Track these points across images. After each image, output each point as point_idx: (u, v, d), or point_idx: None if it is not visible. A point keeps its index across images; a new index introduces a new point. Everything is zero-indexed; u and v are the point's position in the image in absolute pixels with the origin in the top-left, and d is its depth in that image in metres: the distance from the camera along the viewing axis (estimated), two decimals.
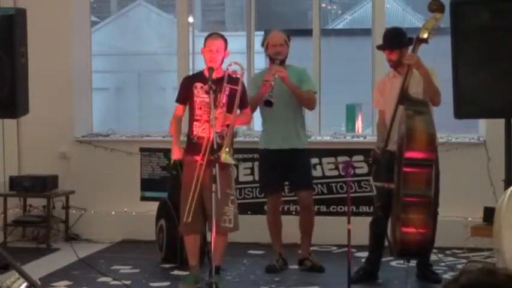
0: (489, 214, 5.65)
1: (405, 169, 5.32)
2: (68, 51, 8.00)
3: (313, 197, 6.66)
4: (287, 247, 6.67)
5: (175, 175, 6.69)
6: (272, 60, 6.36)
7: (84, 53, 8.21)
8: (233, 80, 5.74)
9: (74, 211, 7.88)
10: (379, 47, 6.13)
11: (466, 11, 5.72)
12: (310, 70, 7.41)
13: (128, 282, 6.00)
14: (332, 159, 7.42)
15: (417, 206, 5.31)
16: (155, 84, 13.78)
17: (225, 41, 5.83)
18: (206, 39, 5.86)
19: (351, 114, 8.29)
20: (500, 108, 5.71)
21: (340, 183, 7.36)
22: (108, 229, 7.77)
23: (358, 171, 7.14)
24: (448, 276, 6.03)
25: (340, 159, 7.26)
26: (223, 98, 5.72)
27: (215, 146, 5.44)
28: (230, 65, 5.80)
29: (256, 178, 7.27)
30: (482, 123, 7.51)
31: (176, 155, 5.93)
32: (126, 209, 7.84)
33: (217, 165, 5.38)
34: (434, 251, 6.15)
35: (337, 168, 7.27)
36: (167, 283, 6.07)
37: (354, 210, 6.97)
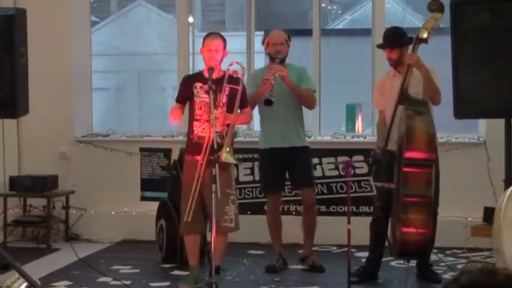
0: (489, 214, 5.64)
1: (405, 169, 5.32)
2: (68, 51, 8.00)
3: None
4: (287, 247, 6.66)
5: (175, 175, 6.69)
6: (272, 59, 6.36)
7: (84, 53, 8.21)
8: (234, 80, 5.74)
9: (74, 211, 7.88)
10: (379, 46, 6.13)
11: (466, 11, 5.72)
12: (310, 70, 7.41)
13: (128, 282, 6.00)
14: (332, 159, 7.42)
15: (417, 206, 5.31)
16: (155, 84, 13.78)
17: (224, 40, 5.82)
18: (205, 39, 5.86)
19: (351, 114, 8.29)
20: (500, 108, 5.71)
21: (340, 183, 7.36)
22: (108, 229, 7.77)
23: (358, 171, 7.14)
24: (448, 276, 6.03)
25: (340, 159, 7.26)
26: (223, 98, 5.72)
27: (215, 146, 5.44)
28: (231, 64, 5.80)
29: (256, 178, 7.27)
30: (482, 123, 7.51)
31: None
32: (126, 209, 7.84)
33: (217, 165, 5.38)
34: (434, 251, 6.15)
35: (337, 168, 7.27)
36: (167, 283, 6.07)
37: (354, 210, 6.97)
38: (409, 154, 5.32)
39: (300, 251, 6.55)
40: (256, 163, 7.10)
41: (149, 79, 13.88)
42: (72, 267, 6.55)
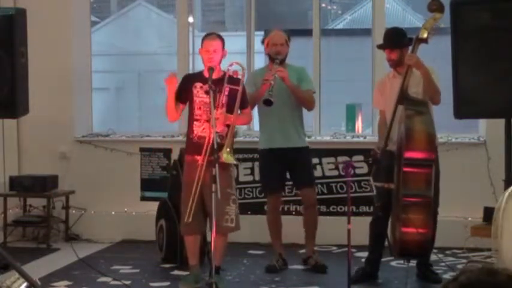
0: (489, 214, 5.64)
1: (405, 169, 5.32)
2: (68, 51, 8.00)
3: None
4: (287, 247, 6.67)
5: (175, 175, 6.70)
6: (272, 59, 6.36)
7: (84, 53, 8.21)
8: (234, 80, 5.74)
9: (74, 211, 7.88)
10: (380, 46, 6.13)
11: (466, 11, 5.72)
12: (310, 70, 7.41)
13: (128, 282, 6.00)
14: (332, 159, 7.42)
15: (417, 206, 5.30)
16: (155, 84, 13.74)
17: (222, 40, 5.81)
18: (203, 40, 5.85)
19: (351, 114, 8.28)
20: (500, 108, 5.72)
21: (340, 183, 7.37)
22: (108, 229, 7.77)
23: (358, 171, 7.15)
24: (448, 276, 6.03)
25: (340, 159, 7.27)
26: (223, 99, 5.72)
27: (215, 146, 5.44)
28: (231, 65, 5.79)
29: (256, 178, 7.27)
30: (482, 123, 7.51)
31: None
32: (126, 209, 7.84)
33: (217, 165, 5.37)
34: (434, 251, 6.15)
35: (337, 168, 7.27)
36: (167, 283, 6.07)
37: (354, 210, 6.98)
38: (409, 154, 5.32)
39: (304, 250, 6.55)
40: (256, 163, 7.10)
41: (149, 79, 13.86)
42: (72, 267, 6.55)
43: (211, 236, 5.37)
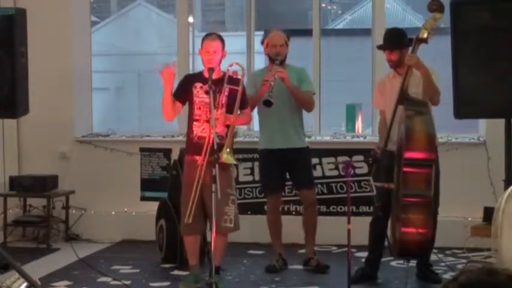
0: (489, 214, 5.63)
1: (405, 169, 5.32)
2: (68, 51, 8.00)
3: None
4: (287, 247, 6.67)
5: (175, 175, 6.70)
6: (272, 59, 6.36)
7: (84, 53, 8.21)
8: (234, 80, 5.74)
9: (74, 211, 7.88)
10: (380, 47, 6.13)
11: (466, 11, 5.72)
12: (310, 70, 7.41)
13: (128, 282, 6.00)
14: (332, 159, 7.42)
15: (417, 206, 5.30)
16: (155, 84, 13.72)
17: (222, 41, 5.81)
18: (203, 40, 5.85)
19: (351, 114, 8.28)
20: (500, 108, 5.71)
21: (340, 183, 7.37)
22: (108, 229, 7.77)
23: (358, 171, 7.15)
24: (448, 276, 6.03)
25: (340, 159, 7.26)
26: (223, 99, 5.72)
27: (215, 147, 5.44)
28: (231, 65, 5.79)
29: (256, 178, 7.27)
30: (482, 123, 7.51)
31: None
32: (126, 209, 7.84)
33: (217, 165, 5.37)
34: (434, 251, 6.15)
35: (337, 168, 7.27)
36: (167, 283, 6.07)
37: (354, 210, 6.98)
38: (408, 154, 5.32)
39: (304, 251, 6.55)
40: (256, 163, 7.10)
41: (149, 79, 13.85)
42: (72, 267, 6.55)
43: (211, 236, 5.37)
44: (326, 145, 7.58)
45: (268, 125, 6.44)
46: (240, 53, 7.89)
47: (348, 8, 15.96)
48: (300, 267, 6.51)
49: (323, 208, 7.29)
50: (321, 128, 7.88)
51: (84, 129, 8.17)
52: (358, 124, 8.32)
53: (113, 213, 7.85)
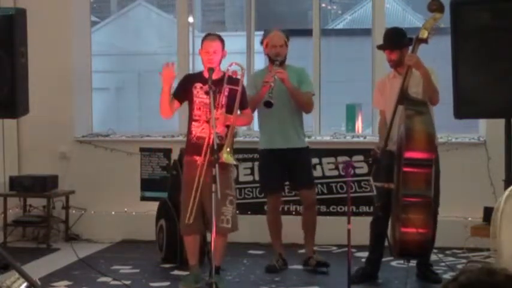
0: (489, 214, 5.62)
1: (405, 169, 5.32)
2: (68, 51, 8.00)
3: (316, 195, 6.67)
4: (287, 247, 6.67)
5: (175, 175, 6.70)
6: (271, 60, 6.36)
7: (84, 53, 8.21)
8: (233, 80, 5.74)
9: (74, 211, 7.88)
10: (380, 47, 6.13)
11: (466, 11, 5.72)
12: (310, 70, 7.41)
13: (127, 282, 6.00)
14: (332, 159, 7.42)
15: (417, 206, 5.30)
16: (155, 84, 13.73)
17: (222, 41, 5.81)
18: (203, 40, 5.85)
19: (351, 114, 8.28)
20: (500, 108, 5.72)
21: (340, 183, 7.36)
22: (108, 229, 7.77)
23: (358, 171, 7.14)
24: (448, 276, 6.03)
25: (340, 159, 7.26)
26: (223, 99, 5.72)
27: (215, 147, 5.44)
28: (230, 65, 5.79)
29: (256, 178, 7.27)
30: (482, 123, 7.51)
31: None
32: (126, 209, 7.84)
33: (217, 165, 5.37)
34: (434, 251, 6.15)
35: (337, 168, 7.27)
36: (167, 283, 6.07)
37: (354, 210, 6.98)
38: (408, 154, 5.32)
39: (304, 251, 6.55)
40: (256, 163, 7.10)
41: (149, 79, 13.86)
42: (72, 267, 6.55)
43: (211, 236, 5.37)
44: (326, 145, 7.58)
45: (268, 125, 6.44)
46: (240, 53, 7.89)
47: (348, 8, 15.97)
48: (300, 267, 6.51)
49: (323, 208, 7.29)
50: (321, 128, 7.88)
51: (84, 129, 8.17)
52: (358, 124, 8.32)
53: (113, 213, 7.85)
